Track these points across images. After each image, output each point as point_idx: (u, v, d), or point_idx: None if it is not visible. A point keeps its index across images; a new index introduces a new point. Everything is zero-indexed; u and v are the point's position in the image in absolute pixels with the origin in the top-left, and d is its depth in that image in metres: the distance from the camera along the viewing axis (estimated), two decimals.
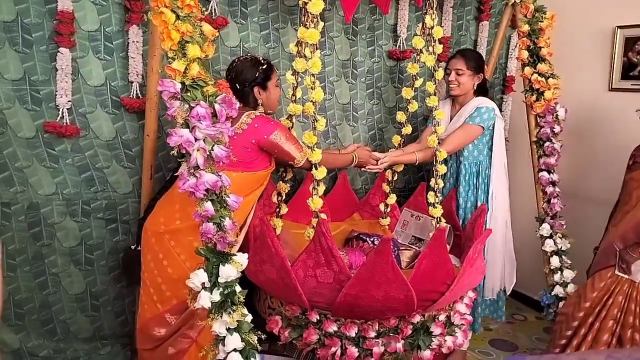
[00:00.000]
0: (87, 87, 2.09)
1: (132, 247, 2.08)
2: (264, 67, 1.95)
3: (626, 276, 2.02)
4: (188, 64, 1.47)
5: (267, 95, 1.98)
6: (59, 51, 1.99)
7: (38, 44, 1.99)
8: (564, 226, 2.42)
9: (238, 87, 1.95)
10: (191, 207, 1.58)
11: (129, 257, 2.08)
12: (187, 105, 1.47)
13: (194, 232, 1.65)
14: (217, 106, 1.49)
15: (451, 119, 2.49)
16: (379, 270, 1.74)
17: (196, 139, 1.46)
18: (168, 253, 1.84)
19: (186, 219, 1.78)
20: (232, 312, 1.46)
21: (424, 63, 2.17)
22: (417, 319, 1.93)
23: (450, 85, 2.42)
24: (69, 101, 2.05)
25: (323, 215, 1.96)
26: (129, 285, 2.26)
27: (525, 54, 2.41)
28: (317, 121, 1.94)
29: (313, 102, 1.92)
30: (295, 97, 2.04)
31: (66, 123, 2.05)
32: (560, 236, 2.40)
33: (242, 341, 1.48)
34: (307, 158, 1.94)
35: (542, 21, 2.39)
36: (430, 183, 2.25)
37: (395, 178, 2.54)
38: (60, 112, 2.04)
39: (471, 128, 2.34)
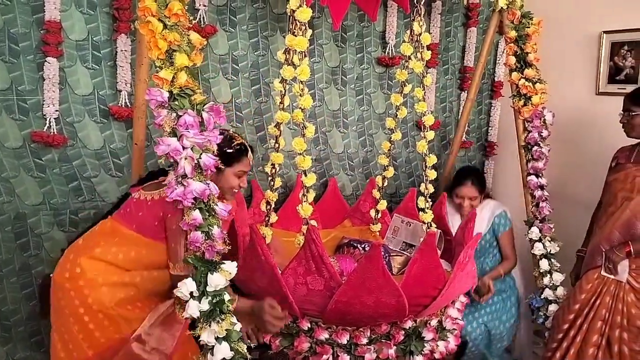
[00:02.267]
0: (75, 96, 2.08)
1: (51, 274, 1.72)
2: (230, 150, 1.68)
3: (612, 276, 2.03)
4: (175, 72, 1.47)
5: (219, 179, 1.66)
6: (46, 61, 1.98)
7: (25, 54, 1.98)
8: (553, 229, 2.43)
9: None
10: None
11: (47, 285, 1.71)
12: (175, 114, 1.46)
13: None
14: (204, 114, 1.49)
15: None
16: (369, 276, 1.73)
17: (184, 148, 1.45)
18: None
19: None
20: (220, 320, 1.45)
21: (413, 69, 2.18)
22: (408, 324, 1.93)
23: (464, 210, 2.57)
24: (57, 111, 2.03)
25: (313, 222, 1.96)
26: (45, 317, 1.80)
27: (512, 60, 2.43)
28: (305, 128, 1.94)
29: (302, 109, 1.92)
30: (283, 105, 2.04)
31: (53, 132, 2.03)
32: (549, 239, 2.41)
33: (231, 350, 1.47)
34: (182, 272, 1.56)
35: (529, 27, 2.41)
36: (420, 188, 2.26)
37: (386, 184, 2.55)
38: (47, 122, 2.02)
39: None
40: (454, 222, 2.54)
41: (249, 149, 1.78)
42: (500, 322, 2.55)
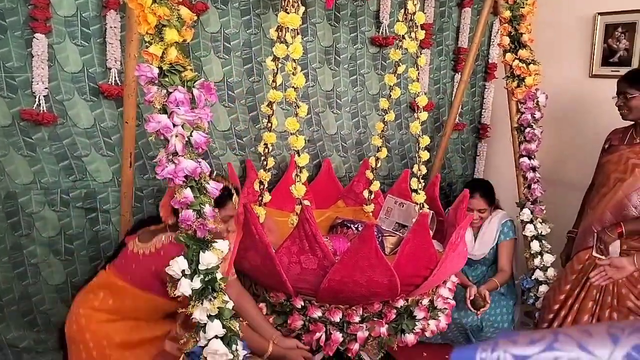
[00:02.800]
0: (64, 73, 2.04)
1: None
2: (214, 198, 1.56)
3: (604, 257, 2.05)
4: (165, 48, 1.44)
5: None
6: (34, 37, 1.94)
7: (12, 30, 1.94)
8: (544, 211, 2.45)
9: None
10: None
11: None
12: (165, 91, 1.44)
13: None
14: (195, 91, 1.47)
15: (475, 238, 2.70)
16: (362, 255, 1.74)
17: (174, 125, 1.44)
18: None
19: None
20: (213, 299, 1.46)
21: (407, 49, 2.16)
22: (400, 303, 1.95)
23: (474, 223, 2.60)
24: (46, 88, 2.00)
25: (307, 202, 1.96)
26: None
27: (506, 40, 2.41)
28: (298, 107, 1.92)
29: (295, 88, 1.90)
30: (276, 84, 2.02)
31: (43, 111, 2.00)
32: (541, 221, 2.43)
33: (223, 327, 1.48)
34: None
35: (524, 7, 2.39)
36: (413, 170, 2.26)
37: (379, 165, 2.54)
38: (36, 100, 1.99)
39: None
40: (467, 236, 2.52)
41: (234, 192, 1.73)
42: (495, 323, 2.62)
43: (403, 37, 2.16)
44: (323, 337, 1.89)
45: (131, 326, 1.69)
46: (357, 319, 1.90)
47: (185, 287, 1.45)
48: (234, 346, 1.50)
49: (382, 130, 2.46)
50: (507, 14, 2.40)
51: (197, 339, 1.49)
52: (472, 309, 2.39)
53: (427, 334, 2.05)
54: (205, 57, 2.32)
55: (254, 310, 1.82)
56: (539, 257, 2.41)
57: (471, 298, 2.38)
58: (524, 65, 2.38)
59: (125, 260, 1.69)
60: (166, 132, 1.43)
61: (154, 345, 1.71)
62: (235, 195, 1.73)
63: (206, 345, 1.47)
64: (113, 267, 1.72)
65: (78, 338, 1.67)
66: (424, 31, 2.16)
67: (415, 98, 2.19)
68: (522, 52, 2.38)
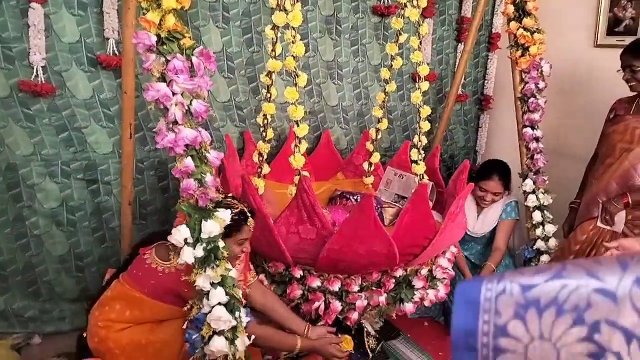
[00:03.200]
0: (61, 44, 2.02)
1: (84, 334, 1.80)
2: (230, 223, 1.57)
3: (608, 227, 2.05)
4: (163, 15, 1.42)
5: None
6: (30, 6, 1.91)
7: None
8: (547, 182, 2.44)
9: None
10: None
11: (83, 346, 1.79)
12: (164, 59, 1.42)
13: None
14: (194, 59, 1.46)
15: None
16: (361, 225, 1.75)
17: (174, 93, 1.42)
18: None
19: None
20: (215, 266, 1.47)
21: (409, 18, 2.12)
22: (399, 273, 1.96)
23: (484, 203, 2.57)
24: (43, 59, 1.98)
25: (305, 173, 1.96)
26: None
27: (511, 8, 2.37)
28: (298, 77, 1.90)
29: (294, 57, 1.88)
30: (275, 53, 1.99)
31: (41, 82, 1.99)
32: (543, 191, 2.43)
33: (226, 295, 1.49)
34: None
35: None
36: (414, 140, 2.25)
37: (379, 137, 2.53)
38: (34, 71, 1.97)
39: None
40: (469, 212, 2.54)
41: (249, 215, 1.69)
42: None
43: (405, 5, 2.12)
44: (322, 306, 1.91)
45: (151, 327, 1.69)
46: (355, 288, 1.91)
47: (188, 255, 1.46)
48: (237, 313, 1.52)
49: (383, 101, 2.44)
50: None
51: (201, 306, 1.51)
52: None
53: (426, 303, 2.08)
54: (204, 26, 2.28)
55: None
56: (541, 227, 2.42)
57: None
58: (529, 34, 2.35)
59: (143, 274, 1.66)
60: (165, 101, 1.41)
61: (178, 340, 1.68)
62: (250, 218, 1.69)
63: (209, 312, 1.49)
64: (128, 279, 1.69)
65: (102, 349, 1.67)
66: None
67: (417, 68, 2.16)
68: (527, 21, 2.34)
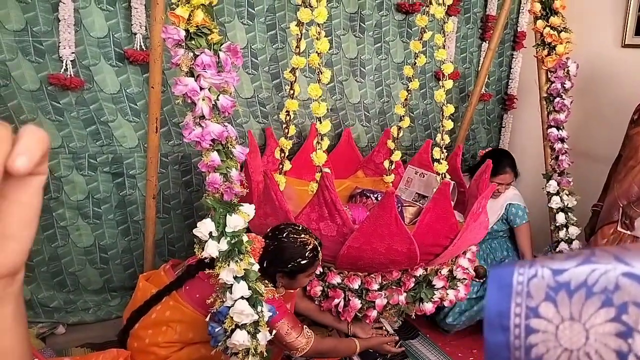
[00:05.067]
0: (90, 38, 2.05)
1: None
2: (304, 261, 1.64)
3: (629, 232, 2.02)
4: (192, 10, 1.43)
5: (291, 283, 1.72)
6: (61, 1, 1.94)
7: None
8: (571, 183, 2.41)
9: (265, 257, 1.65)
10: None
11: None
12: (192, 54, 1.44)
13: None
14: (222, 55, 1.47)
15: None
16: (382, 223, 1.74)
17: (201, 88, 1.44)
18: None
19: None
20: (239, 260, 1.48)
21: (433, 16, 2.11)
22: (419, 272, 1.96)
23: (498, 193, 2.53)
24: (73, 53, 2.01)
25: (326, 170, 1.96)
26: None
27: (537, 7, 2.33)
28: (322, 73, 1.90)
29: (318, 54, 1.88)
30: (300, 49, 1.99)
31: (70, 75, 2.02)
32: (567, 193, 2.40)
33: (249, 289, 1.51)
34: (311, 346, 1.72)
35: None
36: (436, 139, 2.24)
37: (401, 135, 2.52)
38: (64, 64, 2.01)
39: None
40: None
41: (320, 249, 1.70)
42: None
43: (430, 3, 2.11)
44: (342, 303, 1.92)
45: (202, 345, 1.72)
46: (375, 286, 1.91)
47: (213, 249, 1.48)
48: (259, 307, 1.53)
49: (406, 99, 2.43)
50: None
51: (224, 300, 1.53)
52: (476, 279, 2.35)
53: (446, 303, 2.06)
54: (229, 22, 2.30)
55: (318, 308, 1.97)
56: (564, 229, 2.38)
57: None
58: (555, 32, 2.31)
59: (201, 295, 1.66)
60: (193, 95, 1.43)
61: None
62: (319, 250, 1.70)
63: (232, 305, 1.51)
64: (191, 302, 1.70)
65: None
66: None
67: (440, 66, 2.15)
68: (554, 20, 2.31)
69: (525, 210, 2.55)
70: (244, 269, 1.50)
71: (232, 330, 1.53)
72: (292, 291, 1.83)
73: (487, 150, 2.76)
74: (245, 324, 1.53)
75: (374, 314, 1.94)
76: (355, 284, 1.90)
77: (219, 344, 1.57)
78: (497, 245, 2.61)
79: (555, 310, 0.42)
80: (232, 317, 1.51)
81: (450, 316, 2.40)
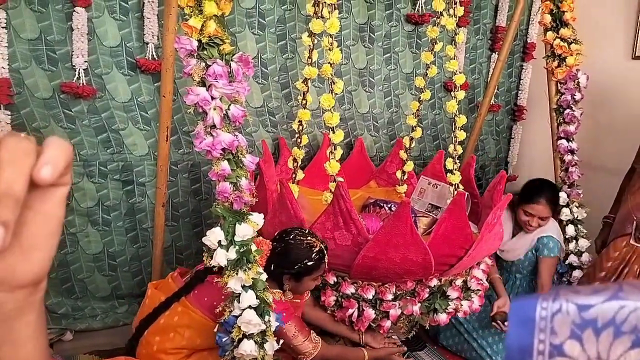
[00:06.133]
0: (103, 47, 2.07)
1: None
2: (310, 262, 1.65)
3: None
4: (205, 21, 1.45)
5: (297, 285, 1.73)
6: (74, 10, 1.96)
7: (53, 3, 1.97)
8: (581, 195, 2.39)
9: (272, 259, 1.65)
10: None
11: None
12: (204, 64, 1.45)
13: None
14: (233, 65, 1.48)
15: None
16: (397, 233, 1.74)
17: (213, 98, 1.45)
18: None
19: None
20: (247, 269, 1.48)
21: (444, 27, 2.11)
22: (434, 282, 1.94)
23: (529, 228, 2.27)
24: (85, 62, 2.03)
25: (340, 179, 1.96)
26: None
27: (548, 18, 2.34)
28: (334, 84, 1.91)
29: (331, 64, 1.89)
30: (312, 60, 2.00)
31: (83, 84, 2.04)
32: (577, 205, 2.38)
33: (257, 298, 1.50)
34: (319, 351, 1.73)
35: None
36: (449, 150, 2.23)
37: (413, 145, 2.52)
38: (76, 73, 2.03)
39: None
40: (506, 231, 2.32)
41: (325, 252, 1.71)
42: None
43: (441, 14, 2.11)
44: (355, 313, 1.91)
45: (210, 352, 1.71)
46: (389, 296, 1.90)
47: (221, 258, 1.47)
48: (266, 317, 1.52)
49: (417, 109, 2.43)
50: None
51: (231, 309, 1.52)
52: (495, 323, 2.15)
53: (460, 314, 2.04)
54: (240, 33, 2.31)
55: (329, 317, 1.96)
56: (574, 241, 2.36)
57: (493, 313, 2.15)
58: (566, 44, 2.31)
59: (218, 300, 1.65)
60: (204, 105, 1.44)
61: None
62: (325, 253, 1.71)
63: (240, 315, 1.50)
64: (199, 306, 1.69)
65: None
66: (462, 7, 2.11)
67: (452, 77, 2.15)
68: (564, 31, 2.31)
69: (559, 244, 2.29)
70: (252, 278, 1.49)
71: (240, 340, 1.53)
72: (298, 301, 1.83)
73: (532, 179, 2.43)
74: (253, 333, 1.52)
75: (387, 324, 1.92)
76: (370, 294, 1.88)
77: (227, 353, 1.57)
78: (524, 286, 2.42)
79: (581, 349, 0.40)
80: (239, 327, 1.50)
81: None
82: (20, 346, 0.41)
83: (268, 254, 1.63)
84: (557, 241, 2.29)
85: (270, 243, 1.66)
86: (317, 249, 1.67)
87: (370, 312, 1.86)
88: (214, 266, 1.53)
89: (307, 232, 1.72)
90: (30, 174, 0.35)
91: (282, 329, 1.64)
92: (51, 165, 0.36)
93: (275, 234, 1.73)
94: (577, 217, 2.38)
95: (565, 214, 2.38)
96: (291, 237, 1.68)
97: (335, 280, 1.89)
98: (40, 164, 0.36)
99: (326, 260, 1.72)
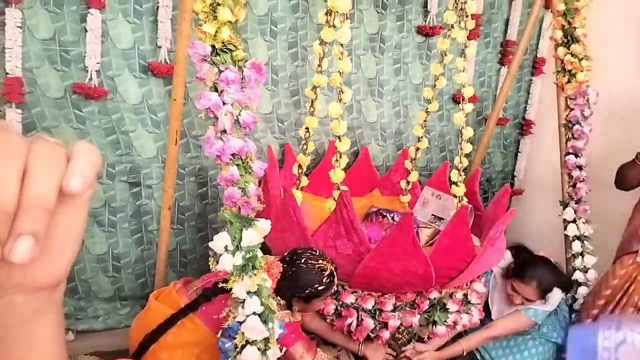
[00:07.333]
0: (116, 50, 2.09)
1: None
2: (321, 287, 1.65)
3: None
4: (218, 27, 1.46)
5: (306, 306, 1.74)
6: (89, 12, 1.98)
7: (69, 4, 1.98)
8: (588, 211, 2.38)
9: (282, 283, 1.64)
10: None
11: None
12: (217, 69, 1.46)
13: None
14: (246, 71, 1.49)
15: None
16: (399, 244, 1.74)
17: (224, 103, 1.46)
18: None
19: None
20: (253, 275, 1.48)
21: (454, 39, 2.12)
22: (434, 294, 1.94)
23: (512, 301, 2.14)
24: (98, 63, 2.05)
25: (344, 187, 1.96)
26: None
27: (559, 34, 2.34)
28: (343, 93, 1.91)
29: (340, 73, 1.90)
30: (322, 68, 2.01)
31: (94, 85, 2.05)
32: (584, 221, 2.37)
33: (261, 305, 1.50)
34: None
35: (578, 1, 2.32)
36: (455, 161, 2.23)
37: (419, 156, 2.52)
38: (88, 74, 2.04)
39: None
40: (494, 297, 2.25)
41: (335, 274, 1.71)
42: None
43: (452, 26, 2.12)
44: (354, 323, 1.90)
45: None
46: (389, 307, 1.90)
47: (227, 263, 1.48)
48: (270, 324, 1.52)
49: (425, 120, 2.44)
50: (561, 6, 2.33)
51: (236, 315, 1.52)
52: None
53: (459, 327, 2.04)
54: (251, 39, 2.33)
55: (330, 327, 1.97)
56: (580, 258, 2.35)
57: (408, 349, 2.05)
58: (576, 60, 2.31)
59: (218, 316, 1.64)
60: (216, 110, 1.45)
61: None
62: (335, 275, 1.71)
63: (244, 321, 1.50)
64: (211, 324, 1.68)
65: None
66: (473, 21, 2.12)
67: (460, 89, 2.15)
68: (575, 47, 2.31)
69: (543, 314, 2.12)
70: (257, 284, 1.49)
71: (243, 346, 1.53)
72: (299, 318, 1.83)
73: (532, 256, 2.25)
74: (256, 340, 1.52)
75: (386, 334, 1.92)
76: (369, 304, 1.88)
77: (229, 359, 1.57)
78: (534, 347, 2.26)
79: None
80: (243, 333, 1.50)
81: None
82: (40, 348, 0.41)
83: (279, 277, 1.63)
84: (542, 312, 2.12)
85: (281, 265, 1.66)
86: (327, 273, 1.67)
87: (369, 322, 1.86)
88: (222, 284, 1.53)
89: (317, 254, 1.71)
90: (61, 181, 0.35)
91: (290, 349, 1.65)
92: (81, 177, 0.36)
93: (286, 255, 1.72)
94: (584, 233, 2.37)
95: (571, 229, 2.37)
96: (302, 260, 1.67)
97: (335, 288, 1.88)
98: (71, 174, 0.35)
99: (336, 282, 1.72)
